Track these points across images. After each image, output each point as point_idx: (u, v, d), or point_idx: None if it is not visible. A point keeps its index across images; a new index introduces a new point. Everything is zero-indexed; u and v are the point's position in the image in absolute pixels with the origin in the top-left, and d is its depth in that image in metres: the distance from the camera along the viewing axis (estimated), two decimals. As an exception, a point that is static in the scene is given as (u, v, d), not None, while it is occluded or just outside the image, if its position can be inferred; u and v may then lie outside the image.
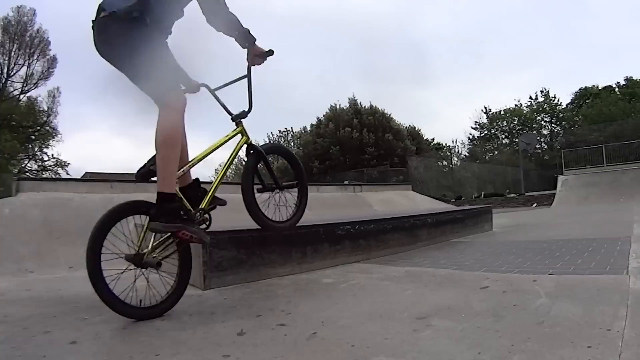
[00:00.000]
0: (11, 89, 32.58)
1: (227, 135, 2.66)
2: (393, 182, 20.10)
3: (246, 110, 2.74)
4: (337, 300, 2.32)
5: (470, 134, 43.24)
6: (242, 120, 2.74)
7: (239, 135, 2.72)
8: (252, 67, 2.74)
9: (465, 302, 2.09)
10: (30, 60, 32.29)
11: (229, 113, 2.70)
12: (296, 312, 2.08)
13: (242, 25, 2.62)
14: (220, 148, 2.60)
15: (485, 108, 43.29)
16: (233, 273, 3.05)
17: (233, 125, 2.72)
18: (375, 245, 4.34)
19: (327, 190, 9.60)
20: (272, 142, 32.91)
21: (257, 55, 2.71)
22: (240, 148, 2.79)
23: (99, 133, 49.70)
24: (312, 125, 34.84)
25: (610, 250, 3.39)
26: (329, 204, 8.09)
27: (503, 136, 41.98)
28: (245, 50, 2.70)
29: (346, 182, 15.46)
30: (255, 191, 2.85)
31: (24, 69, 32.20)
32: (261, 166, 2.94)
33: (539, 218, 9.01)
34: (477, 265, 3.20)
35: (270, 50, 2.75)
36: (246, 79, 2.73)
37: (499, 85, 61.79)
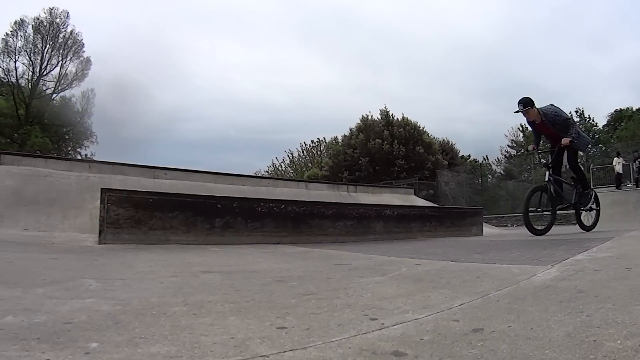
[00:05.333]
0: (44, 87, 40.31)
1: None
2: (395, 185, 22.92)
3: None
4: (202, 254, 4.09)
5: (507, 152, 48.18)
6: None
7: None
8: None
9: (281, 268, 3.35)
10: (64, 61, 39.63)
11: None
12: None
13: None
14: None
15: (522, 126, 46.63)
16: (129, 232, 4.39)
17: None
18: (307, 230, 5.60)
19: (317, 188, 11.75)
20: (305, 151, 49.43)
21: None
22: None
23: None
24: (344, 136, 40.61)
25: (576, 247, 4.26)
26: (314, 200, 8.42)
27: (539, 156, 41.39)
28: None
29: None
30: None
31: (57, 69, 38.97)
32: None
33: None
34: (391, 252, 4.41)
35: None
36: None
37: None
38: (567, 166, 8.20)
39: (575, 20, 70.54)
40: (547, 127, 7.67)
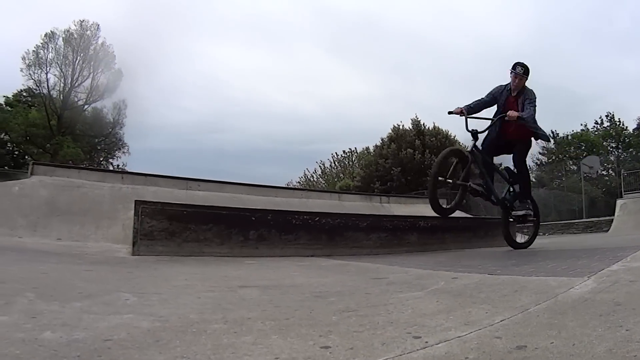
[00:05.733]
0: (75, 98, 40.97)
1: None
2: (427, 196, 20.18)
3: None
4: (237, 268, 4.14)
5: (537, 159, 46.54)
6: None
7: None
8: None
9: (319, 282, 3.36)
10: (95, 73, 40.32)
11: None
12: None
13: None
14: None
15: (553, 132, 45.23)
16: (163, 244, 4.54)
17: None
18: (341, 242, 5.66)
19: (350, 199, 11.85)
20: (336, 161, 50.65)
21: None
22: None
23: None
24: (375, 146, 40.11)
25: (610, 256, 4.23)
26: (347, 211, 9.20)
27: (570, 162, 44.23)
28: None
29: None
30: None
31: (89, 80, 39.85)
32: None
33: (582, 239, 10.74)
34: (427, 265, 4.44)
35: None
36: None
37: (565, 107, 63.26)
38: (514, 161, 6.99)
39: (604, 21, 69.01)
40: (516, 107, 6.47)
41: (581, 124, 48.05)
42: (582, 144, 45.01)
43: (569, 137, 46.27)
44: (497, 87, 6.78)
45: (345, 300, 2.55)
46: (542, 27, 68.35)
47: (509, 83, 6.63)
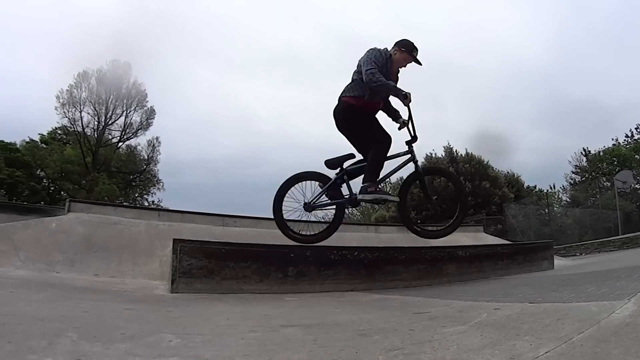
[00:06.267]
0: (109, 136, 43.09)
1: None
2: (463, 224, 23.21)
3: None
4: (278, 305, 4.12)
5: (571, 179, 47.39)
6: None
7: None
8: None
9: (361, 319, 3.26)
10: (128, 111, 42.31)
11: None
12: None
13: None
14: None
15: (585, 150, 46.95)
16: (202, 282, 4.55)
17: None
18: (380, 276, 5.58)
19: (387, 231, 11.13)
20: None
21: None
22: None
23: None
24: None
25: None
26: (384, 243, 9.25)
27: (603, 179, 43.57)
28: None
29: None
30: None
31: (122, 118, 41.64)
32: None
33: (619, 256, 10.82)
34: (468, 296, 4.45)
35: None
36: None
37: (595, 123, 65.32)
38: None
39: (630, 28, 67.99)
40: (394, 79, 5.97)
41: (612, 139, 47.81)
42: (614, 159, 44.59)
43: (601, 154, 45.87)
44: (378, 54, 5.81)
45: (389, 337, 2.54)
46: (566, 40, 67.96)
47: (386, 49, 5.86)
